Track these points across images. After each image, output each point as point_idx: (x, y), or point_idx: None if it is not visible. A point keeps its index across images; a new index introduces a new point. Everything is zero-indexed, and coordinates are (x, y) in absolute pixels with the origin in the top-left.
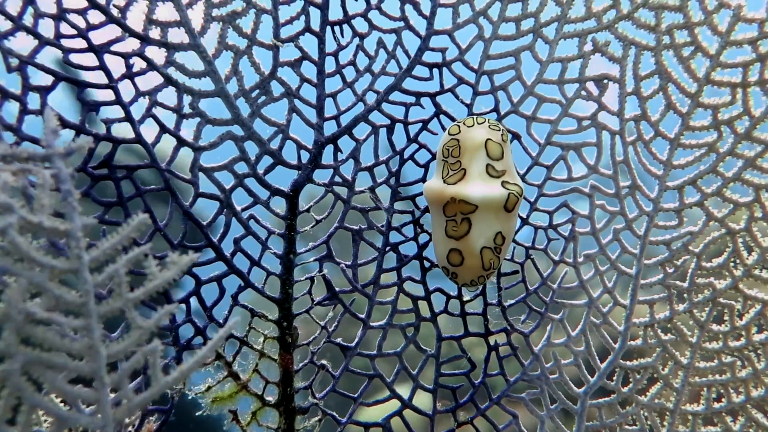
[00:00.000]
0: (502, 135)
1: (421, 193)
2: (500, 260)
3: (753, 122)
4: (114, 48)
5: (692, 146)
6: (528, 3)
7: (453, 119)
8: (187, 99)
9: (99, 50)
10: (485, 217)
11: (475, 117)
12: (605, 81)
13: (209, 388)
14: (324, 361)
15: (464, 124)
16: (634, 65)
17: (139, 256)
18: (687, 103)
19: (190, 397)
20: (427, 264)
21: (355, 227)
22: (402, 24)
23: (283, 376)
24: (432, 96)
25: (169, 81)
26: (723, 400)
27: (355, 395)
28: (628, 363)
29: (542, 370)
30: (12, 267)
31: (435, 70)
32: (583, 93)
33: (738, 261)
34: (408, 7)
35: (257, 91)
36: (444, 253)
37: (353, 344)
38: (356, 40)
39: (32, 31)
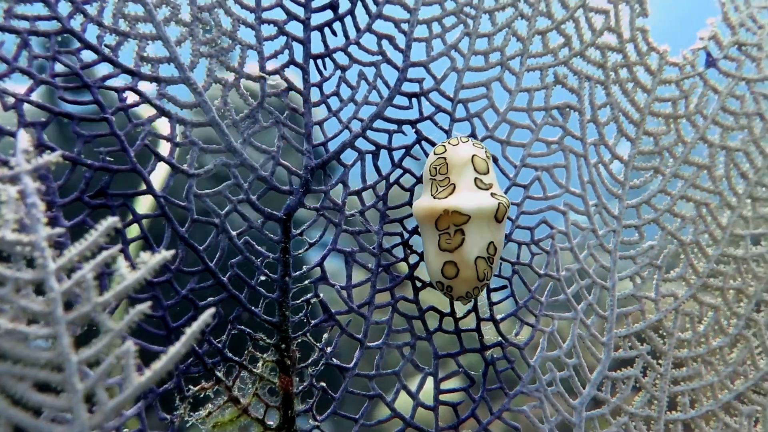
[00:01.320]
0: (485, 152)
1: (408, 216)
2: (492, 271)
3: (687, 148)
4: (107, 83)
5: (642, 168)
6: (493, 39)
7: (434, 144)
8: (179, 128)
9: (92, 86)
10: (478, 227)
11: (458, 137)
12: (567, 109)
13: (210, 413)
14: (323, 383)
15: (449, 143)
16: (590, 96)
17: (107, 259)
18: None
19: (189, 424)
20: (419, 284)
21: (347, 249)
22: (380, 57)
23: (283, 399)
24: (413, 123)
25: (162, 112)
26: (696, 405)
27: (357, 416)
28: (614, 374)
29: (540, 382)
30: None
31: (414, 100)
32: (550, 119)
33: (692, 271)
34: (385, 42)
35: (247, 120)
36: (438, 267)
37: (351, 365)
38: (338, 72)
39: (28, 72)
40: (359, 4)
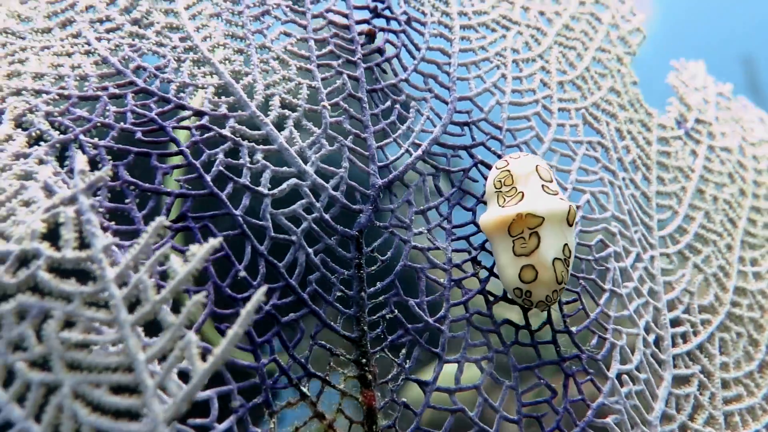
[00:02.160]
0: (547, 163)
1: (473, 234)
2: (568, 275)
3: (687, 194)
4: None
5: (662, 206)
6: (524, 80)
7: (489, 167)
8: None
9: (165, 126)
10: (552, 229)
11: (518, 152)
12: (598, 145)
13: (297, 429)
14: (404, 399)
15: (510, 157)
16: (611, 136)
17: (160, 259)
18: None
19: None
20: (491, 298)
21: (418, 265)
22: (429, 93)
23: (367, 413)
24: (467, 148)
25: (233, 142)
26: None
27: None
28: (677, 390)
29: (619, 395)
30: (46, 303)
31: (466, 128)
32: (587, 150)
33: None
34: (432, 81)
35: (314, 146)
36: (515, 273)
37: (431, 379)
38: (394, 104)
39: (109, 125)
40: (404, 49)
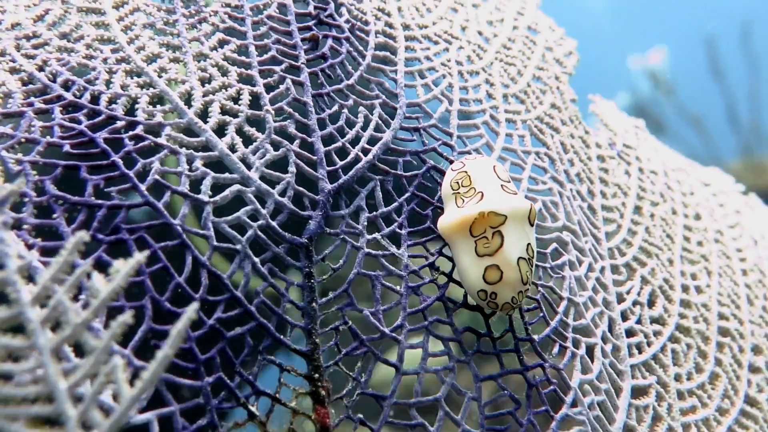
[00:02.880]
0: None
1: (429, 239)
2: (533, 275)
3: (626, 209)
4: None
5: (607, 219)
6: (470, 90)
7: (442, 172)
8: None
9: (96, 138)
10: (515, 227)
11: (473, 154)
12: (545, 156)
13: None
14: (360, 415)
15: (465, 158)
16: (557, 148)
17: (81, 277)
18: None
19: None
20: (451, 305)
21: (373, 272)
22: (377, 98)
23: None
24: (418, 153)
25: (170, 150)
26: None
27: None
28: (636, 401)
29: (582, 405)
30: None
31: (417, 134)
32: (536, 160)
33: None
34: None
35: (258, 152)
36: (479, 274)
37: (389, 393)
38: (340, 108)
39: (33, 140)
40: (349, 56)
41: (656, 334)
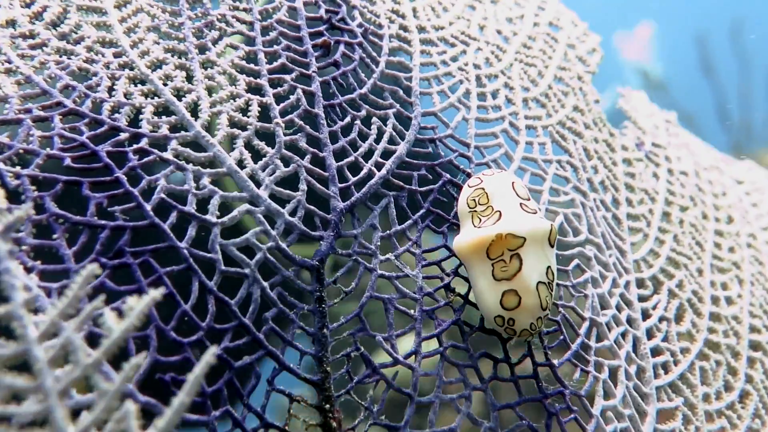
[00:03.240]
0: (522, 181)
1: (445, 258)
2: (552, 300)
3: (654, 217)
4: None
5: (633, 228)
6: (489, 95)
7: (458, 186)
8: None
9: (99, 151)
10: (534, 250)
11: (491, 169)
12: (567, 164)
13: None
14: None
15: (483, 174)
16: (580, 155)
17: (91, 314)
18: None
19: None
20: (467, 329)
21: (386, 296)
22: (391, 108)
23: None
24: (434, 166)
25: (176, 167)
26: None
27: None
28: (662, 426)
29: None
30: None
31: (432, 145)
32: (557, 170)
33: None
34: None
35: (267, 168)
36: (496, 299)
37: (403, 423)
38: (353, 120)
39: (32, 150)
40: (362, 62)
41: (684, 351)
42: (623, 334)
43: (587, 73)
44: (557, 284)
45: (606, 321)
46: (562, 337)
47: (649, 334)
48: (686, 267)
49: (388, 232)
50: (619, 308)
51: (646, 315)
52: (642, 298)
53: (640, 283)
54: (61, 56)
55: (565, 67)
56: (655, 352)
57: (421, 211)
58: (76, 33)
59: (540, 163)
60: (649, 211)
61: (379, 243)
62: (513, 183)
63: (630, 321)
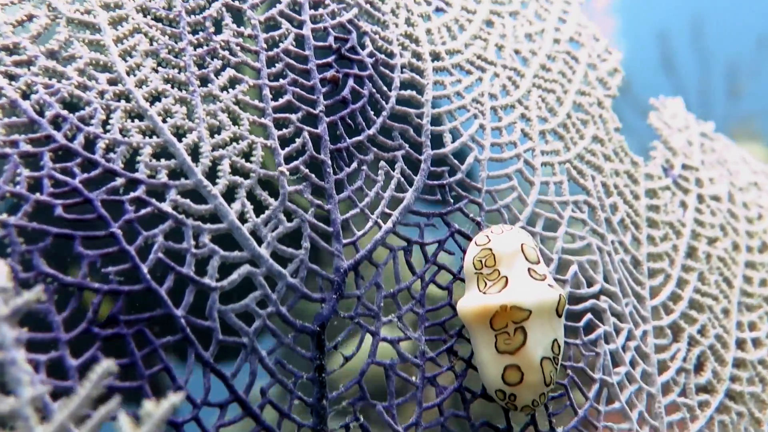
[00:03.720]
0: (533, 239)
1: (450, 318)
2: (557, 374)
3: (678, 253)
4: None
5: (654, 270)
6: (504, 131)
7: (467, 237)
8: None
9: (93, 199)
10: (540, 323)
11: (500, 225)
12: (584, 204)
13: None
14: None
15: (492, 232)
16: (598, 194)
17: (105, 418)
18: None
19: None
20: (469, 395)
21: (387, 361)
22: (400, 150)
23: None
24: (442, 215)
25: (175, 221)
26: None
27: None
28: None
29: None
30: None
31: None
32: (573, 212)
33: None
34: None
35: (270, 222)
36: (497, 373)
37: None
38: (360, 165)
39: (20, 194)
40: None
41: (702, 405)
42: (637, 393)
43: (607, 97)
44: (568, 342)
45: (618, 380)
46: (568, 403)
47: (665, 389)
48: (711, 309)
49: (392, 291)
50: (633, 363)
51: (663, 368)
52: (659, 348)
53: (659, 332)
54: (50, 78)
55: (584, 91)
56: (672, 407)
57: (426, 267)
58: (65, 50)
59: (555, 206)
60: (673, 248)
61: (382, 304)
62: (522, 245)
63: (645, 377)
